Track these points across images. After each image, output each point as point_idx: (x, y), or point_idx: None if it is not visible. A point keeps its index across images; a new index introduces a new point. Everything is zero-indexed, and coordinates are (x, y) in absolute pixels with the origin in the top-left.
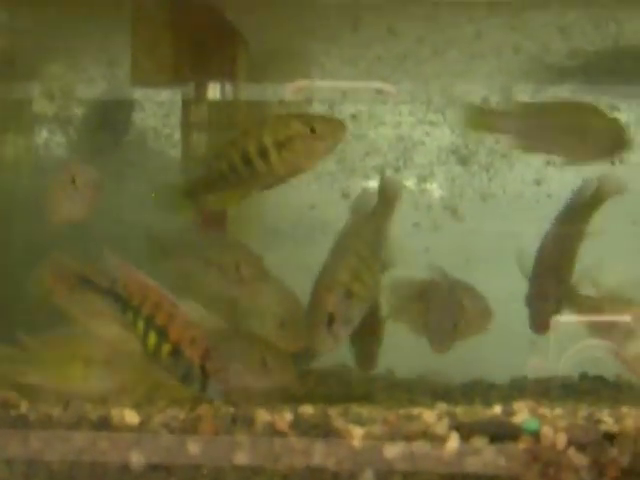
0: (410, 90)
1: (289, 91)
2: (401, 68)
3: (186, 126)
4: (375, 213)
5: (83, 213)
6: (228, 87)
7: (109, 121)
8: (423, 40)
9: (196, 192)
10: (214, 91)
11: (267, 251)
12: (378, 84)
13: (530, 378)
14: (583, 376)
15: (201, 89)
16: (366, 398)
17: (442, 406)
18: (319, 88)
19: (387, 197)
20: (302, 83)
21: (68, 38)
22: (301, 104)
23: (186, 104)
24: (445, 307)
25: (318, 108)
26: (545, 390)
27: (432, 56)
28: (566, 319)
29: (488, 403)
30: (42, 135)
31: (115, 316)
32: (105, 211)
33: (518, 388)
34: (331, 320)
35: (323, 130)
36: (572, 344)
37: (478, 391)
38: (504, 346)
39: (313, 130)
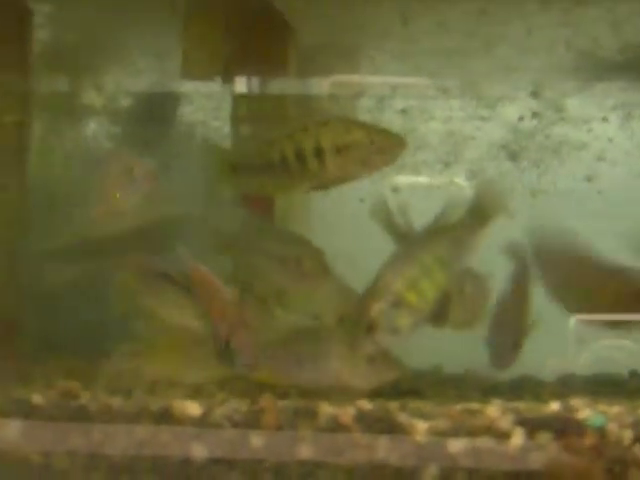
0: (460, 85)
1: (327, 85)
2: (451, 63)
3: (235, 119)
4: (463, 224)
5: (137, 205)
6: (278, 80)
7: (156, 113)
8: (474, 34)
9: (241, 170)
10: (263, 84)
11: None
12: (427, 80)
13: (578, 375)
14: (633, 373)
15: (251, 82)
16: (415, 393)
17: (498, 402)
18: (369, 83)
19: (482, 207)
20: (343, 78)
21: (117, 31)
22: (351, 99)
23: (236, 97)
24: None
25: (367, 103)
26: (595, 387)
27: (483, 51)
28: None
29: (539, 399)
30: (90, 127)
31: (186, 306)
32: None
33: (567, 385)
34: (371, 327)
35: (383, 144)
36: (591, 343)
37: (527, 388)
38: (550, 343)
39: (373, 142)
